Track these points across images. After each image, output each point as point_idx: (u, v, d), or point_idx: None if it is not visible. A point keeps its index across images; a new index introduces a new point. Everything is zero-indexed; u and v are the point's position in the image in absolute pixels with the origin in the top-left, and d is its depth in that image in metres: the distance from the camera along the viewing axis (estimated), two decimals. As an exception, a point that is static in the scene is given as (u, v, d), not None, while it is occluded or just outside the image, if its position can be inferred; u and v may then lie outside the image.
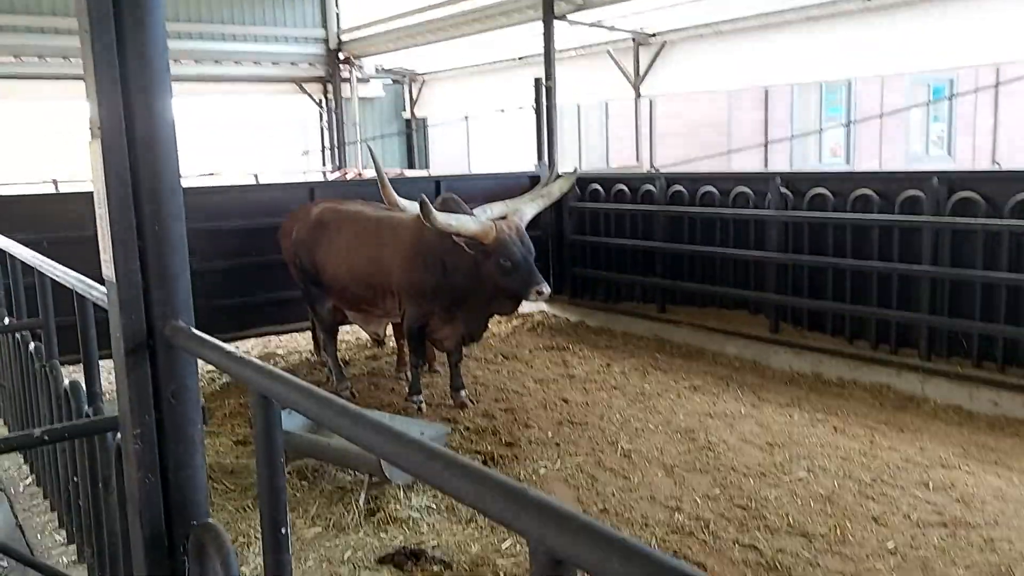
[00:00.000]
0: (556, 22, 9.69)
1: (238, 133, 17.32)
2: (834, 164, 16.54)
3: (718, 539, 4.12)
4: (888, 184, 6.60)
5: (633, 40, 12.07)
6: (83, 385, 3.14)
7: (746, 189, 7.59)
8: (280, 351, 8.09)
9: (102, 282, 2.28)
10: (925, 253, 6.25)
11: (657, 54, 12.01)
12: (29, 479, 4.54)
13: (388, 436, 1.27)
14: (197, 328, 2.03)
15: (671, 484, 4.79)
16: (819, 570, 3.80)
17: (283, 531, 1.78)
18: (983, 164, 18.27)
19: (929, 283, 6.29)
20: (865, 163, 16.61)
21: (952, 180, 6.21)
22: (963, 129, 18.45)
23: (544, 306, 9.38)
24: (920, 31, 9.00)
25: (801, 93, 15.91)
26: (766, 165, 14.98)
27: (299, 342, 8.20)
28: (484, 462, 5.12)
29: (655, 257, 8.34)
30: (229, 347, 1.88)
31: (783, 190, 7.18)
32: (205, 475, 2.15)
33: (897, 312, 6.51)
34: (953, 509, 4.32)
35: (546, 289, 5.46)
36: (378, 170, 6.00)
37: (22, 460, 4.65)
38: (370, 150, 6.46)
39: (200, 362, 2.08)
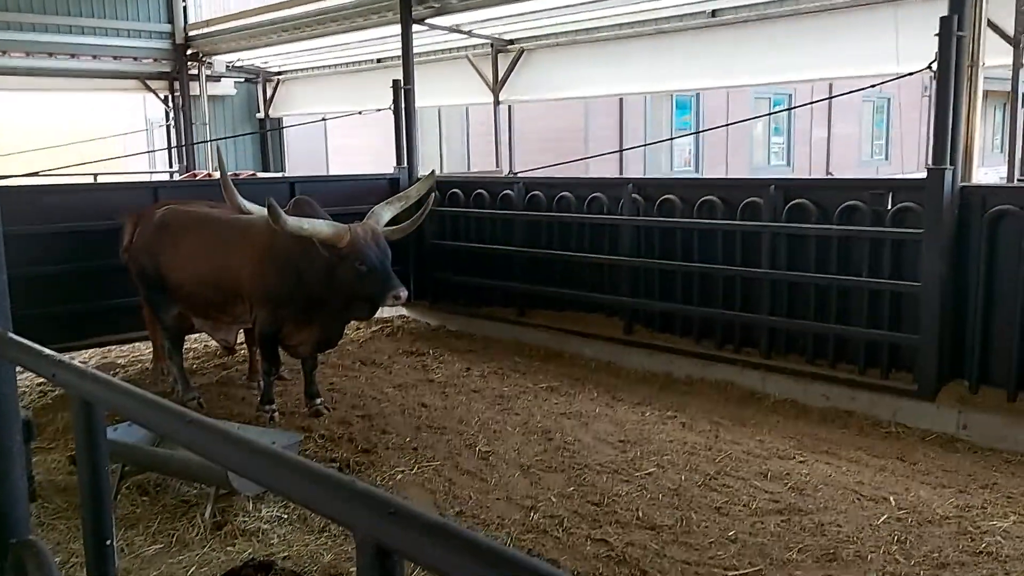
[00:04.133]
0: (414, 25, 9.65)
1: (77, 131, 16.28)
2: (685, 172, 17.28)
3: (571, 535, 4.20)
4: (731, 191, 6.95)
5: (491, 46, 12.17)
6: None
7: (601, 195, 7.79)
8: (121, 361, 7.65)
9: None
10: (764, 257, 6.62)
11: (516, 61, 12.16)
12: None
13: (216, 436, 1.22)
14: (30, 339, 1.88)
15: (527, 484, 4.85)
16: (665, 560, 3.93)
17: (108, 543, 1.68)
18: (819, 173, 19.57)
19: (769, 285, 6.66)
20: (713, 172, 17.44)
21: (787, 188, 6.60)
22: (801, 141, 19.72)
23: (403, 311, 9.31)
24: (761, 49, 9.53)
25: (654, 103, 16.54)
26: (621, 172, 15.46)
27: (142, 351, 7.78)
28: (340, 469, 5.02)
29: (514, 261, 8.43)
30: (48, 351, 1.76)
31: (635, 196, 7.43)
32: (26, 488, 2.01)
33: (740, 313, 6.85)
34: (788, 497, 4.58)
35: (403, 293, 5.40)
36: (222, 170, 5.79)
37: None
38: (217, 150, 6.22)
39: (32, 375, 1.94)
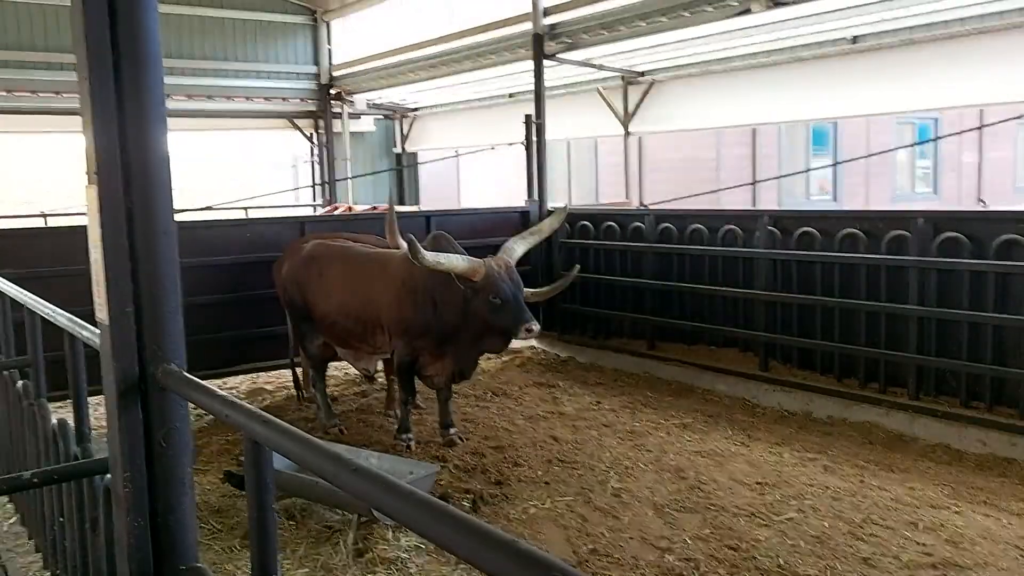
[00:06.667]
0: (546, 61, 9.81)
1: (228, 168, 17.37)
2: (822, 200, 16.69)
3: (709, 581, 4.09)
4: (874, 224, 6.67)
5: (622, 79, 12.21)
6: (71, 424, 3.12)
7: (735, 227, 7.64)
8: (268, 387, 8.03)
9: (92, 320, 2.27)
10: (912, 292, 6.31)
11: (646, 92, 12.15)
12: (13, 519, 4.49)
13: (380, 486, 1.27)
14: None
15: (661, 524, 4.77)
16: (810, 613, 3.78)
17: (273, 577, 1.77)
18: (969, 201, 18.47)
19: (916, 322, 6.33)
20: (852, 200, 16.75)
21: (937, 220, 6.28)
22: (948, 167, 18.68)
23: (533, 342, 9.38)
24: (905, 74, 9.15)
25: (789, 130, 16.09)
26: (754, 202, 15.09)
27: (286, 378, 8.15)
28: (474, 502, 5.09)
29: (645, 294, 8.37)
30: (221, 391, 1.88)
31: (771, 228, 7.24)
32: (195, 518, 2.14)
33: (885, 351, 6.54)
34: (943, 550, 4.31)
35: (535, 327, 5.46)
36: (390, 212, 6.04)
37: (6, 499, 4.60)
38: (390, 195, 6.54)
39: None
